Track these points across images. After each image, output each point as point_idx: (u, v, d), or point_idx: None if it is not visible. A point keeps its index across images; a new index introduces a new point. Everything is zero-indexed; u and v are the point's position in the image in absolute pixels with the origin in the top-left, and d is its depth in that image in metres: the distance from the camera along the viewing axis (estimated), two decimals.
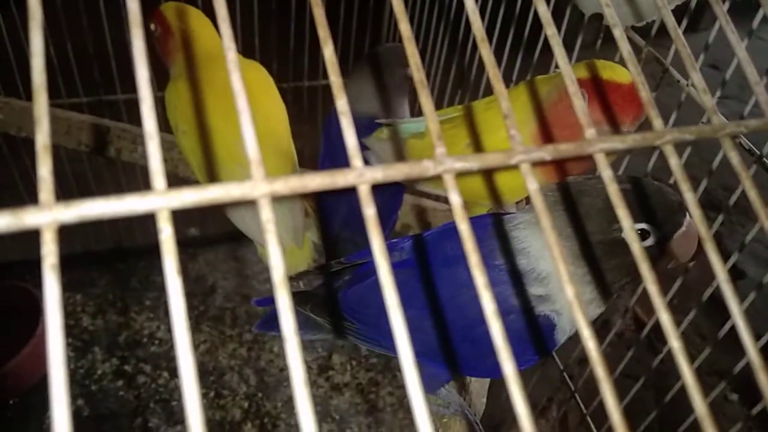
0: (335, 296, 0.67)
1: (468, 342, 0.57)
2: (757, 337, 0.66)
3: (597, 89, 0.62)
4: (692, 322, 0.77)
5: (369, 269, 0.67)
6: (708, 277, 0.72)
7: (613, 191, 0.24)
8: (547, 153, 0.24)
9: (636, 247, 0.23)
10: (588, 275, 0.55)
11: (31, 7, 0.21)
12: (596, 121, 0.63)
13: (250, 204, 0.80)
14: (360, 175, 0.21)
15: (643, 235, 0.54)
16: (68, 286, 1.38)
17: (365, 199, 0.21)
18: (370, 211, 0.21)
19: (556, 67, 0.77)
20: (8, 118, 0.89)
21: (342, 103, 0.22)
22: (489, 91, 0.77)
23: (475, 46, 1.08)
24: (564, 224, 0.55)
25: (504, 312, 0.55)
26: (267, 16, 1.25)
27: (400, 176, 0.22)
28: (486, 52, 0.25)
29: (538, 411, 1.31)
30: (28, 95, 1.07)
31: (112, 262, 1.46)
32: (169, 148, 0.88)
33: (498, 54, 1.05)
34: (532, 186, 0.23)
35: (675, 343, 0.23)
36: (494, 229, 0.58)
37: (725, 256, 0.67)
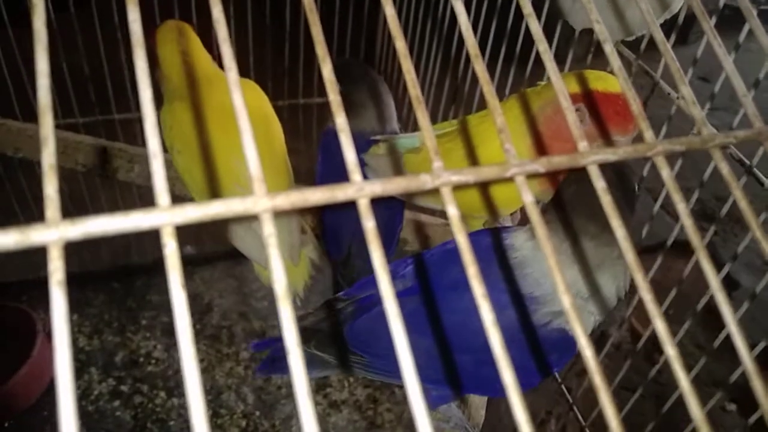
0: (340, 330, 0.66)
1: (481, 364, 0.57)
2: (752, 346, 0.66)
3: (593, 102, 0.63)
4: (689, 332, 0.77)
5: (373, 299, 0.66)
6: (703, 287, 0.73)
7: (606, 203, 0.25)
8: (541, 165, 0.24)
9: (630, 257, 0.24)
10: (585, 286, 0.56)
11: (37, 30, 0.22)
12: (592, 135, 0.63)
13: (249, 225, 0.81)
14: (359, 189, 0.22)
15: None
16: None
17: (365, 212, 0.22)
18: (369, 224, 0.22)
19: (548, 78, 0.78)
20: (5, 139, 0.90)
21: (341, 120, 0.23)
22: (483, 105, 0.78)
23: (468, 61, 1.10)
24: (559, 239, 0.55)
25: (519, 330, 0.56)
26: (262, 34, 1.26)
27: (398, 190, 0.23)
28: (480, 67, 0.26)
29: (537, 424, 1.31)
30: (25, 116, 1.07)
31: (108, 281, 1.45)
32: (166, 167, 0.88)
33: (491, 67, 1.06)
34: (528, 198, 0.24)
35: (671, 351, 0.23)
36: (495, 250, 0.59)
37: (719, 265, 0.67)
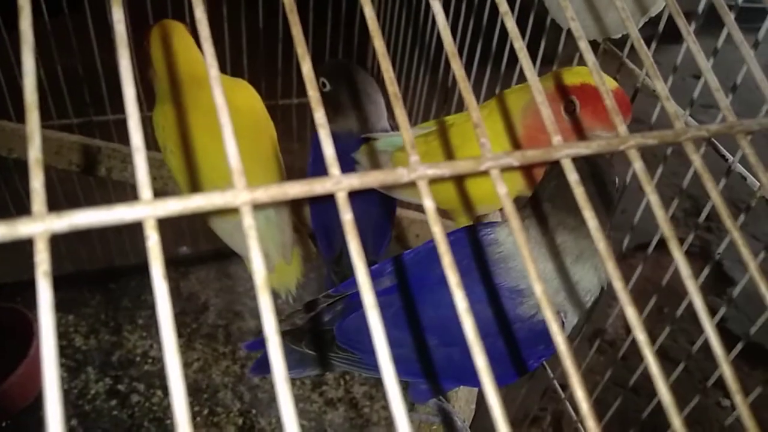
0: (330, 329, 0.67)
1: (469, 356, 0.58)
2: (736, 339, 0.67)
3: (587, 95, 0.63)
4: (684, 330, 0.78)
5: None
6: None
7: (579, 194, 0.25)
8: (515, 159, 0.25)
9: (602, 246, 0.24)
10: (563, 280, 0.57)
11: (23, 31, 0.23)
12: (590, 127, 0.64)
13: (239, 222, 0.82)
14: (337, 183, 0.22)
15: None
16: (60, 306, 1.38)
17: (343, 205, 0.23)
18: (347, 217, 0.22)
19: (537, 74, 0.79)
20: None
21: (320, 116, 0.24)
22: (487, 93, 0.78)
23: (463, 43, 1.10)
24: (538, 232, 0.56)
25: (505, 323, 0.56)
26: (255, 35, 1.27)
27: (375, 183, 0.23)
28: (456, 65, 0.26)
29: (530, 420, 1.32)
30: (19, 117, 1.08)
31: (103, 282, 1.46)
32: (159, 166, 0.89)
33: (480, 71, 1.07)
34: (502, 191, 0.24)
35: (641, 336, 0.24)
36: (478, 245, 0.59)
37: (713, 263, 0.68)
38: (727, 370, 0.23)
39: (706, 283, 0.72)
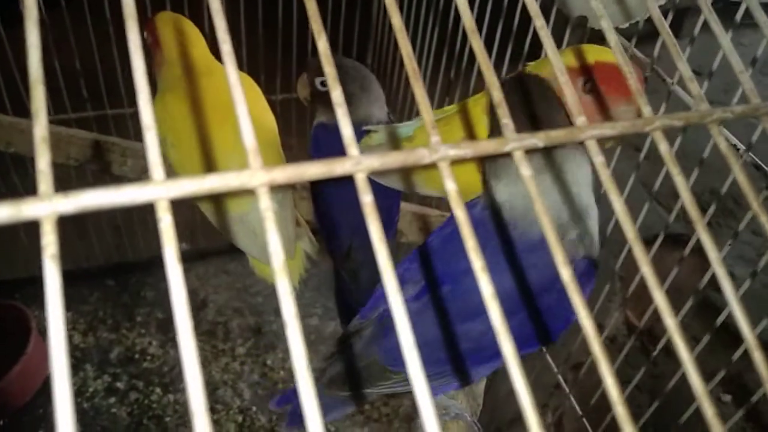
0: (373, 359, 0.63)
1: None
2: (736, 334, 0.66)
3: (605, 72, 0.62)
4: (684, 324, 0.77)
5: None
6: (697, 280, 0.73)
7: (605, 177, 0.24)
8: (539, 140, 0.24)
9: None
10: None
11: (28, 6, 0.22)
12: (616, 104, 0.63)
13: (242, 217, 0.81)
14: (357, 163, 0.21)
15: None
16: None
17: (362, 187, 0.22)
18: (367, 199, 0.21)
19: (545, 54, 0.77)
20: None
21: (337, 94, 0.23)
22: (479, 90, 0.77)
23: (462, 54, 1.09)
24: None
25: (542, 281, 0.55)
26: (254, 29, 1.25)
27: (396, 164, 0.22)
28: (477, 43, 0.25)
29: None
30: (16, 111, 1.06)
31: (102, 279, 1.45)
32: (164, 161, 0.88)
33: (489, 49, 1.06)
34: (526, 172, 0.23)
35: (670, 321, 0.23)
36: (490, 212, 0.57)
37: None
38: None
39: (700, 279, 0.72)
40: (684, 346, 0.21)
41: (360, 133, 0.80)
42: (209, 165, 0.77)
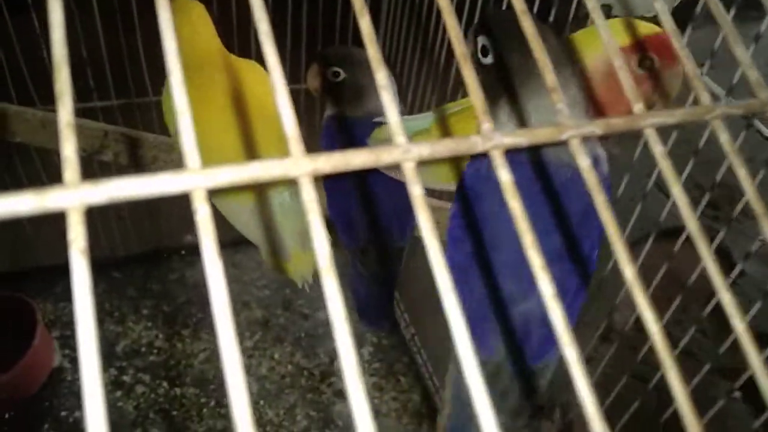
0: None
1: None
2: (758, 335, 0.65)
3: (662, 45, 0.60)
4: (693, 318, 0.76)
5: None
6: (704, 274, 0.71)
7: (666, 167, 0.23)
8: (598, 128, 0.22)
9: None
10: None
11: None
12: (666, 71, 0.61)
13: (252, 209, 0.79)
14: (406, 152, 0.20)
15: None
16: (63, 295, 1.36)
17: (411, 177, 0.20)
18: (416, 190, 0.20)
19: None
20: (1, 123, 0.87)
21: (381, 76, 0.21)
22: None
23: None
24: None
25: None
26: None
27: (446, 152, 0.21)
28: (528, 23, 0.24)
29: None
30: (21, 100, 1.05)
31: (108, 270, 1.44)
32: (168, 150, 0.86)
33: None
34: (584, 162, 0.22)
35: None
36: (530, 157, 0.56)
37: (725, 256, 0.66)
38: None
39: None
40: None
41: (371, 126, 0.78)
42: (223, 156, 0.75)
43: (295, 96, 1.36)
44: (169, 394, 1.23)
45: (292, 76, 1.29)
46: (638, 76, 0.61)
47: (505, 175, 0.21)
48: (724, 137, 0.25)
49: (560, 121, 0.22)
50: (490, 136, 0.21)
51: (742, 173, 0.24)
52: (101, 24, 1.17)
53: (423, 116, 0.78)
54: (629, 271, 0.21)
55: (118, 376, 1.25)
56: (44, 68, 1.10)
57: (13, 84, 1.12)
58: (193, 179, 0.18)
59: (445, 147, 0.21)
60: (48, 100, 1.15)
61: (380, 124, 0.80)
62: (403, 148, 0.20)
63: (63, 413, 1.19)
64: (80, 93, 1.22)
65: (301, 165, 0.19)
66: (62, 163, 0.18)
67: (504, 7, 0.86)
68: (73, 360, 1.26)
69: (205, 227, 0.17)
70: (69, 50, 0.20)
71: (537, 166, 0.55)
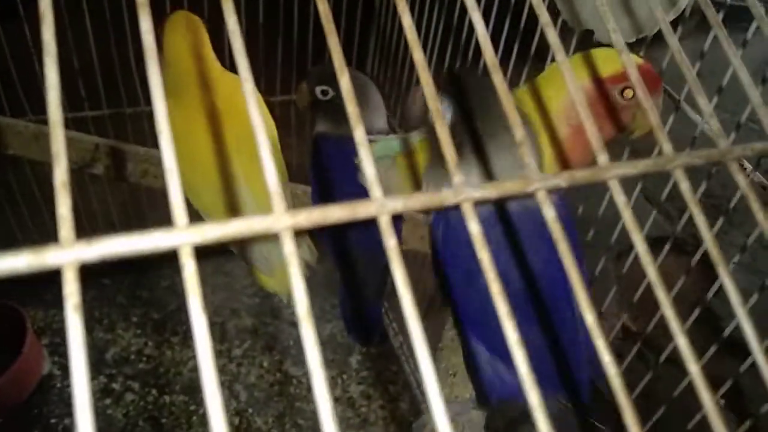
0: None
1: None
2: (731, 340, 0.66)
3: (644, 75, 0.62)
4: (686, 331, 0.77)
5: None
6: (700, 290, 0.73)
7: (627, 217, 0.24)
8: (563, 180, 0.24)
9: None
10: None
11: (43, 13, 0.21)
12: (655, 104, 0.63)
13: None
14: (381, 206, 0.21)
15: None
16: (53, 302, 1.36)
17: (386, 229, 0.21)
18: (391, 242, 0.21)
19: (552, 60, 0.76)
20: None
21: (359, 134, 0.22)
22: None
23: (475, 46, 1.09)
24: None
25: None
26: (254, 30, 1.25)
27: (419, 205, 0.22)
28: (498, 79, 0.25)
29: None
30: (13, 112, 1.06)
31: (97, 278, 1.44)
32: (158, 164, 0.87)
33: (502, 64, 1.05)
34: (550, 214, 0.23)
35: (693, 368, 0.23)
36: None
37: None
38: None
39: (703, 287, 0.72)
40: (692, 358, 0.21)
41: None
42: (207, 175, 0.76)
43: (286, 106, 1.38)
44: (159, 402, 1.24)
45: (283, 88, 1.30)
46: (621, 105, 0.63)
47: (474, 227, 0.22)
48: (684, 186, 0.26)
49: (527, 175, 0.23)
50: (461, 190, 0.22)
51: (700, 220, 0.26)
52: (93, 33, 1.18)
53: (394, 137, 0.79)
54: (590, 318, 0.22)
55: (108, 383, 1.26)
56: (36, 80, 1.11)
57: (5, 95, 1.13)
58: (181, 236, 0.19)
59: (417, 201, 0.22)
60: (40, 110, 1.15)
61: (369, 141, 0.81)
62: (378, 202, 0.21)
63: (53, 420, 1.19)
64: (72, 103, 1.23)
65: (282, 221, 0.20)
66: (58, 221, 0.19)
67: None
68: (63, 367, 1.27)
69: (191, 284, 0.19)
70: (60, 59, 0.21)
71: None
